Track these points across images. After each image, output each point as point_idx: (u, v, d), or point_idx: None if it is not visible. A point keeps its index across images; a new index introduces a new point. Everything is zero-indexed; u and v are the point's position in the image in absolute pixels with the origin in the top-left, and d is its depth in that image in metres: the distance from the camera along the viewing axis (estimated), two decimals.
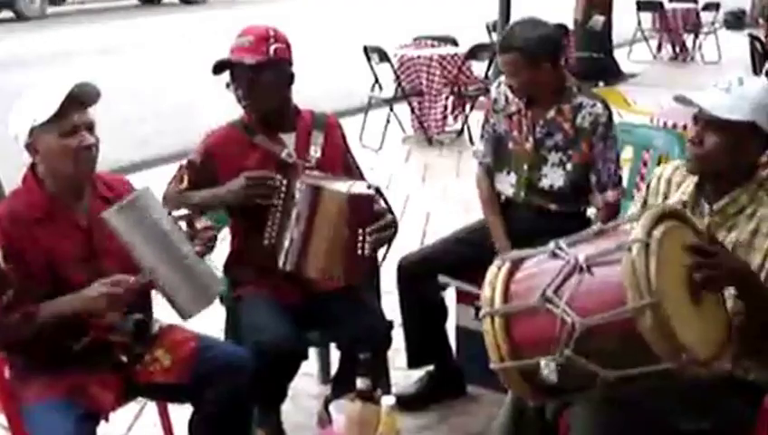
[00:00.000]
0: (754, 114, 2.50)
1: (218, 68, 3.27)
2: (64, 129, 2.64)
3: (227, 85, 3.30)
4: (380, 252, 3.26)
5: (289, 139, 3.33)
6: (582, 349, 2.23)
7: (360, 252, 3.13)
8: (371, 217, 3.16)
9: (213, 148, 3.33)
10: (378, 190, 3.22)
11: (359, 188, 3.19)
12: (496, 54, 3.59)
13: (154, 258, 2.65)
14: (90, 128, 2.70)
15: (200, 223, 2.82)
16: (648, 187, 2.84)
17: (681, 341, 2.16)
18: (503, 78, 3.76)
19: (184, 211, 2.86)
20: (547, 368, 2.26)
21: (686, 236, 2.39)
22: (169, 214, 2.77)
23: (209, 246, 2.81)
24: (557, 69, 3.54)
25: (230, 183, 3.23)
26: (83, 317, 2.68)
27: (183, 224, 2.79)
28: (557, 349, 2.24)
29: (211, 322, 3.53)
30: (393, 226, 3.22)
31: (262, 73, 3.21)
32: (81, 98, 2.68)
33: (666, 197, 2.76)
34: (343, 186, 3.17)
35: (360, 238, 3.12)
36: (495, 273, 2.44)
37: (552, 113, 3.56)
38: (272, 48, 3.22)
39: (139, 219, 2.64)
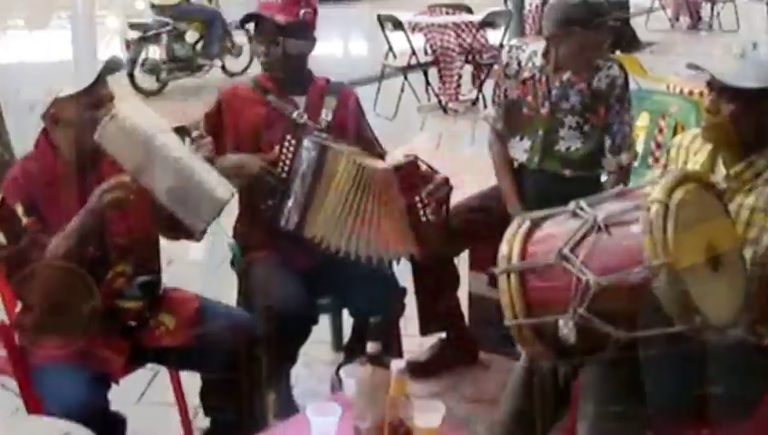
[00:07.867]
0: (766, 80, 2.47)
1: (245, 20, 3.28)
2: (92, 101, 2.64)
3: (249, 39, 3.30)
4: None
5: (300, 101, 3.32)
6: (596, 308, 2.21)
7: (424, 219, 3.13)
8: (421, 181, 3.15)
9: (222, 98, 3.34)
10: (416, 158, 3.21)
11: (395, 158, 3.20)
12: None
13: (152, 169, 2.57)
14: (112, 99, 2.70)
15: (194, 133, 2.76)
16: (668, 153, 2.83)
17: (695, 304, 2.14)
18: (514, 42, 3.73)
19: (176, 124, 2.79)
20: (566, 327, 2.25)
21: (706, 201, 2.36)
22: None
23: (211, 150, 2.74)
24: None
25: (242, 158, 3.19)
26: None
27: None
28: (571, 307, 2.22)
29: (224, 290, 3.53)
30: (446, 183, 3.21)
31: (287, 35, 3.22)
32: (108, 71, 2.68)
33: (685, 164, 2.74)
34: (352, 150, 3.16)
35: (419, 205, 3.13)
36: (514, 231, 2.44)
37: (567, 74, 3.52)
38: (302, 11, 3.23)
39: (127, 131, 2.56)
